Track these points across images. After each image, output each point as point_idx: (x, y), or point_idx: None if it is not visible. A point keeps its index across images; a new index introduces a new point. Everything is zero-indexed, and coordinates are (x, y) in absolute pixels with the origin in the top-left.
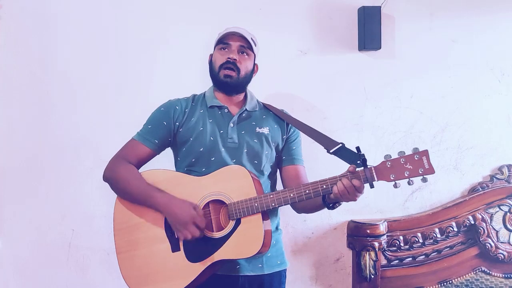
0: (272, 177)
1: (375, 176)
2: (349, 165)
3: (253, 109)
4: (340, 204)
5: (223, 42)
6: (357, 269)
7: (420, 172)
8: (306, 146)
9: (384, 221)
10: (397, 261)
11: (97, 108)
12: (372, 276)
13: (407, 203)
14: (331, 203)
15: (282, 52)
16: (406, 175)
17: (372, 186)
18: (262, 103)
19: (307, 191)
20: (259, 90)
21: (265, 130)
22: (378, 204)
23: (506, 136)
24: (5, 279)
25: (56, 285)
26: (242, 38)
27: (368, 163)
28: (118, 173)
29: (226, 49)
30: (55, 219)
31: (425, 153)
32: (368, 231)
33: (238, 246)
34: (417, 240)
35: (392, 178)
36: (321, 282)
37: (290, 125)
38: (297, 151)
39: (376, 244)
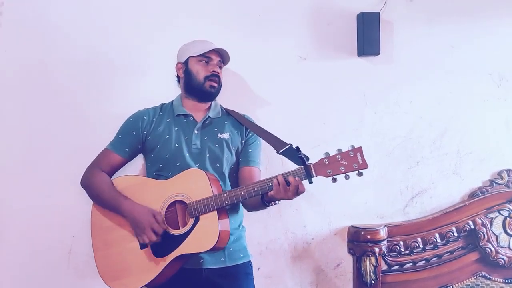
0: (234, 179)
1: (313, 172)
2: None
3: (216, 116)
4: (277, 203)
5: (204, 55)
6: (357, 274)
7: (355, 167)
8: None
9: (384, 226)
10: (397, 266)
11: (98, 111)
12: (373, 282)
13: (407, 208)
14: (267, 201)
15: (281, 58)
16: (342, 170)
17: (310, 182)
18: (225, 109)
19: (255, 189)
20: (258, 95)
21: (226, 136)
22: (378, 209)
23: (505, 141)
24: (4, 287)
25: None
26: (219, 53)
27: (309, 161)
28: (92, 182)
29: (207, 62)
30: (55, 225)
31: (359, 149)
32: (369, 236)
33: (197, 241)
34: (417, 245)
35: (329, 174)
36: None
37: (248, 129)
38: (254, 153)
39: (377, 249)
